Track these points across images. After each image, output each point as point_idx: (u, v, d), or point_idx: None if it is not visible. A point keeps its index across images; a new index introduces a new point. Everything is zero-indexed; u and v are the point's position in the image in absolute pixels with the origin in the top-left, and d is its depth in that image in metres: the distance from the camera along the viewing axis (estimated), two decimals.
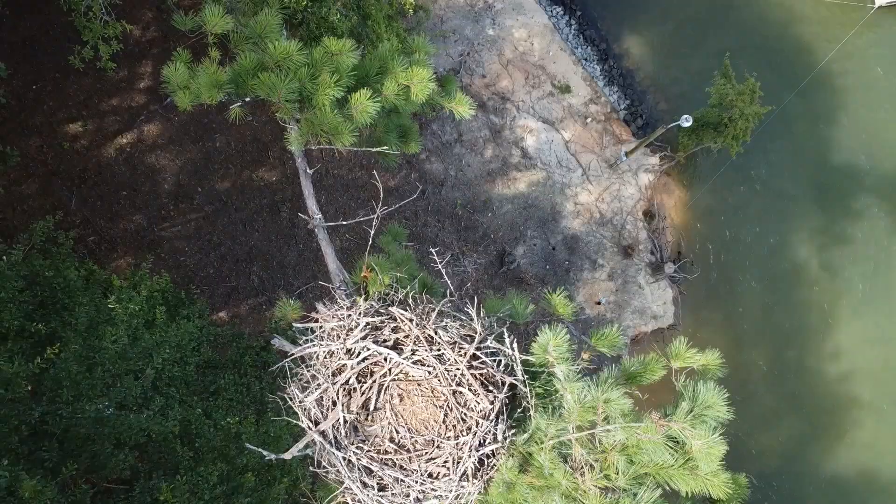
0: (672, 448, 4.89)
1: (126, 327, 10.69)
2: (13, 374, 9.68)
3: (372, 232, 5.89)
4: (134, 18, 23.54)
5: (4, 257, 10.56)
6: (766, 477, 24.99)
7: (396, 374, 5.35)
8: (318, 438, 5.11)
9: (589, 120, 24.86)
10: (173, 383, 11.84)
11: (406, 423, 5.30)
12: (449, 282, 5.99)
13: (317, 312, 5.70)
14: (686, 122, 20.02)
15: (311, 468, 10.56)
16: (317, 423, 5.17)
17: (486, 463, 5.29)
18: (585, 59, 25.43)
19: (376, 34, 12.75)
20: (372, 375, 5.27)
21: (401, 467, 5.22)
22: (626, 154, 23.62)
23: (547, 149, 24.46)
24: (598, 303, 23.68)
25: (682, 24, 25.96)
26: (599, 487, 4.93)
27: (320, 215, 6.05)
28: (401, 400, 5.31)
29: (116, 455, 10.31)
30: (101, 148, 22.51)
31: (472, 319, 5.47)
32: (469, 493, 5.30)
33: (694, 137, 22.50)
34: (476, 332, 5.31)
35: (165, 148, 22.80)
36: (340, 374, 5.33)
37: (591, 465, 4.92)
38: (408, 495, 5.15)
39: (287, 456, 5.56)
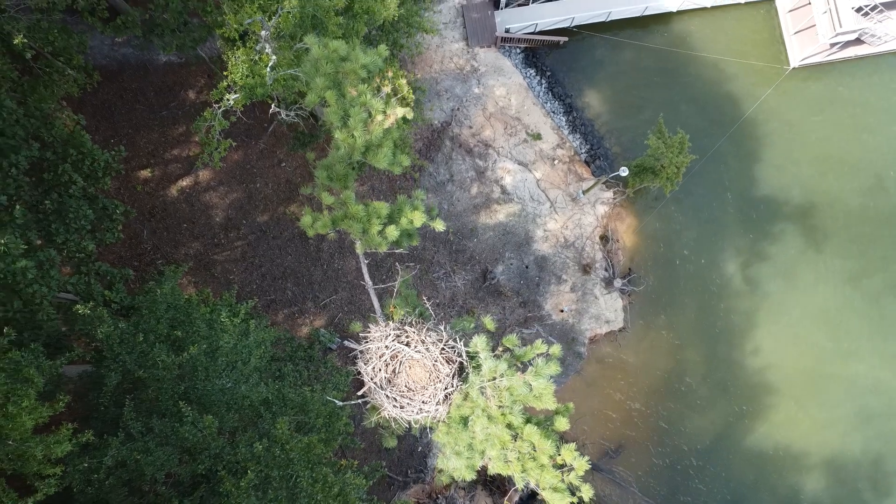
0: (530, 389, 11.51)
1: (232, 333, 17.31)
2: (170, 363, 16.33)
3: (395, 288, 12.52)
4: (190, 84, 30.20)
5: (158, 290, 17.20)
6: (701, 451, 31.59)
7: (408, 357, 12.03)
8: (373, 385, 11.80)
9: (556, 162, 31.42)
10: (256, 370, 18.48)
11: (412, 379, 11.97)
12: (432, 312, 12.62)
13: (369, 328, 12.33)
14: (623, 172, 26.56)
15: (359, 411, 17.25)
16: (372, 379, 11.85)
17: (448, 397, 11.99)
18: (554, 112, 31.97)
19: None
20: (397, 357, 11.96)
21: (410, 399, 11.90)
22: (583, 192, 30.19)
23: (522, 186, 31.01)
24: (562, 311, 30.25)
25: (633, 82, 32.50)
26: (497, 406, 11.59)
27: (370, 282, 12.68)
28: (410, 368, 11.99)
29: (228, 414, 16.95)
30: (166, 189, 29.05)
31: (442, 331, 12.14)
32: (442, 412, 11.98)
33: (637, 179, 28.96)
34: (443, 338, 12.00)
35: (217, 189, 29.32)
36: (382, 357, 12.00)
37: (494, 396, 11.58)
38: (414, 410, 11.83)
39: (359, 394, 12.20)
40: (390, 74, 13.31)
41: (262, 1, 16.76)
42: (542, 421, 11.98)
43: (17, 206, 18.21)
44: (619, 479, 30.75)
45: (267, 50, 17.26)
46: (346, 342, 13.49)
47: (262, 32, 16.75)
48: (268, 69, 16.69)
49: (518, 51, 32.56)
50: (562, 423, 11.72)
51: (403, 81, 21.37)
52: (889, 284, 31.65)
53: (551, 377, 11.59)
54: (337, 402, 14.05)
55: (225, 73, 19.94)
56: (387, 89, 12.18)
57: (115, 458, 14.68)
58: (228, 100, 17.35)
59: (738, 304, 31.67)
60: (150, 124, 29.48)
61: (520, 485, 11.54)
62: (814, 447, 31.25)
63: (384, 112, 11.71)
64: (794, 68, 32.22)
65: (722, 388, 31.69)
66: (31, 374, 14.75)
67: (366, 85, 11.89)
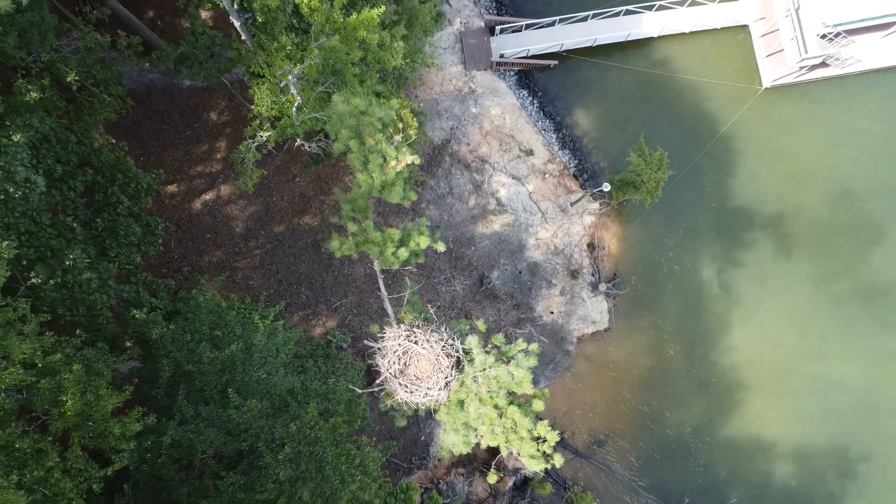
0: (512, 377, 14.85)
1: (263, 333, 20.64)
2: (213, 359, 19.66)
3: (405, 298, 15.83)
4: (212, 106, 33.48)
5: (201, 297, 20.52)
6: (682, 441, 34.89)
7: (416, 353, 15.39)
8: (388, 375, 15.14)
9: (547, 176, 34.73)
10: (283, 365, 21.80)
11: (419, 370, 15.33)
12: (435, 316, 15.99)
13: (384, 330, 15.66)
14: (606, 188, 29.87)
15: (376, 394, 20.68)
16: (388, 370, 15.20)
17: (448, 384, 15.36)
18: (545, 129, 35.28)
19: None
20: (407, 353, 15.31)
21: (418, 385, 15.27)
22: (571, 204, 33.51)
23: (515, 198, 34.32)
24: (552, 312, 33.57)
25: (618, 101, 35.82)
26: (486, 391, 14.93)
27: (386, 292, 15.99)
28: (418, 361, 15.34)
29: (262, 401, 20.27)
30: (191, 203, 32.35)
31: (443, 332, 15.50)
32: (443, 396, 15.36)
33: (620, 192, 32.26)
34: (444, 337, 15.35)
35: (237, 202, 32.62)
36: (396, 352, 15.35)
37: (484, 383, 14.93)
38: (421, 395, 15.20)
39: (377, 382, 15.53)
40: (401, 126, 16.59)
41: (289, 50, 20.06)
42: (523, 403, 15.31)
43: (76, 225, 21.57)
44: (606, 467, 34.09)
45: (292, 91, 20.56)
46: (365, 341, 16.82)
47: (290, 77, 20.06)
48: (294, 109, 19.98)
49: (512, 73, 35.86)
50: (538, 405, 15.07)
51: (408, 111, 24.69)
52: (853, 288, 34.97)
53: (530, 368, 14.92)
54: (357, 389, 17.42)
55: (252, 106, 23.27)
56: (398, 138, 15.47)
57: (172, 437, 18.00)
58: (262, 136, 20.66)
59: (715, 307, 34.98)
60: (176, 143, 32.79)
61: (504, 453, 14.88)
62: (783, 438, 34.58)
63: (396, 158, 15.04)
64: (766, 88, 35.50)
65: (700, 384, 34.99)
66: (101, 369, 18.14)
67: (382, 135, 15.20)
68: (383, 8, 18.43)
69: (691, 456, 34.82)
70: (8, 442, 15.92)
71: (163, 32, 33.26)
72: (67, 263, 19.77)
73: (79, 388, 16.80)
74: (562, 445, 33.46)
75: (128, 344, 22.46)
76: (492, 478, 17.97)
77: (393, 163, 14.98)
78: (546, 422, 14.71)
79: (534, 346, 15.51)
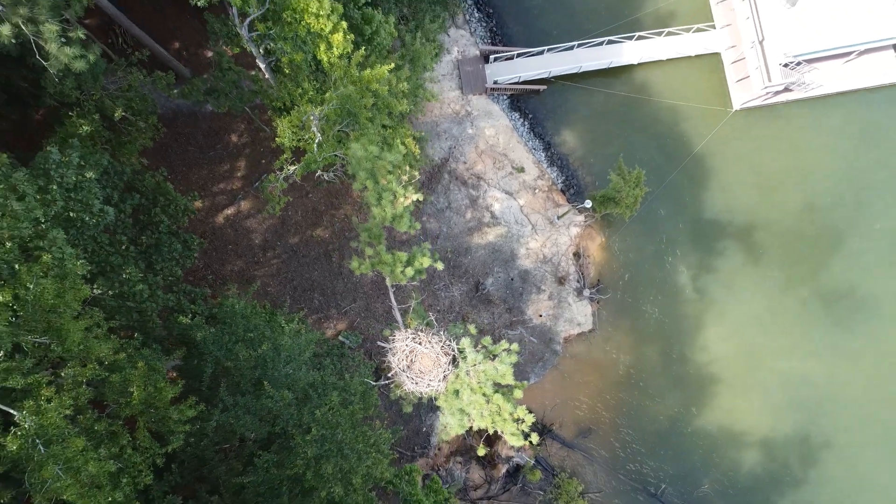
0: (497, 371, 18.83)
1: (289, 335, 24.58)
2: (248, 357, 23.60)
3: (411, 307, 19.76)
4: (232, 129, 37.40)
5: (237, 306, 24.47)
6: (660, 432, 38.85)
7: (420, 352, 19.40)
8: (398, 370, 19.12)
9: (537, 191, 38.66)
10: (304, 363, 25.74)
11: (423, 365, 19.35)
12: (436, 322, 19.98)
13: (394, 334, 19.64)
14: (588, 204, 33.80)
15: (382, 390, 24.76)
16: (397, 365, 19.19)
17: (446, 377, 19.39)
18: (535, 149, 39.21)
19: None
20: (413, 351, 19.30)
21: (421, 378, 19.29)
22: (559, 217, 37.47)
23: (508, 212, 38.26)
24: (541, 315, 37.52)
25: (601, 123, 39.75)
26: (476, 382, 18.93)
27: (395, 303, 19.92)
28: (422, 359, 19.35)
29: (289, 393, 24.23)
30: (214, 217, 36.26)
31: (442, 335, 19.52)
32: (442, 387, 19.40)
33: (602, 206, 36.18)
34: (443, 339, 19.36)
35: (256, 216, 36.55)
36: (404, 351, 19.34)
37: (475, 376, 18.91)
38: (424, 386, 19.22)
39: (384, 379, 19.48)
40: (408, 168, 20.55)
41: (311, 95, 24.00)
42: (506, 392, 19.25)
43: (128, 244, 25.52)
44: (590, 456, 38.08)
45: (313, 129, 24.51)
46: (378, 343, 20.79)
47: (312, 118, 24.00)
48: (315, 145, 23.94)
49: (505, 97, 39.81)
50: (518, 393, 19.00)
51: (411, 139, 28.63)
52: (815, 292, 38.95)
53: (512, 364, 18.86)
54: (370, 382, 21.41)
55: (276, 139, 27.21)
56: (405, 178, 19.41)
57: (217, 422, 21.96)
58: (289, 170, 24.63)
59: (689, 309, 38.94)
60: (200, 163, 36.74)
61: (490, 430, 18.84)
62: (752, 429, 38.58)
63: (404, 195, 18.99)
64: (737, 110, 39.43)
65: (676, 380, 38.97)
66: (158, 366, 22.09)
67: (392, 175, 19.15)
68: (392, 64, 22.34)
69: (668, 445, 38.78)
70: (87, 425, 19.86)
71: (188, 62, 37.18)
72: (124, 276, 23.72)
73: (143, 382, 20.74)
74: (550, 436, 37.52)
75: (169, 346, 26.43)
76: (481, 451, 21.89)
77: (402, 199, 18.94)
78: (525, 406, 18.63)
79: (515, 346, 19.42)
